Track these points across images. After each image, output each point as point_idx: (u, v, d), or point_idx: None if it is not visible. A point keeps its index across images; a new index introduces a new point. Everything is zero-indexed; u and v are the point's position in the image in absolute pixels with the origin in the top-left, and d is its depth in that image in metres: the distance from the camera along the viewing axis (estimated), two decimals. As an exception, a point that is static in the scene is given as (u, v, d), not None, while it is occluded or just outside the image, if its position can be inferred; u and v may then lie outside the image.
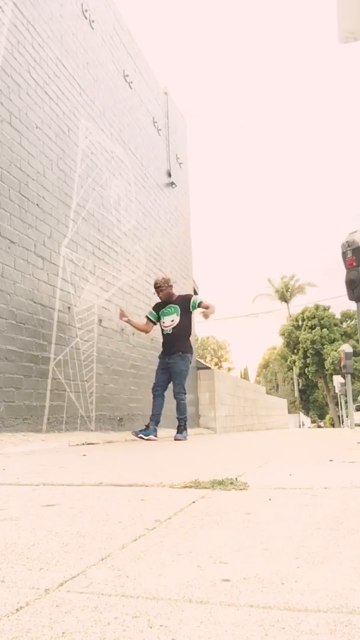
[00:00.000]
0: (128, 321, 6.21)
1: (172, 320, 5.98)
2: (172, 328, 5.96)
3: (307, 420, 45.16)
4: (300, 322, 40.42)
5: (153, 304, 6.59)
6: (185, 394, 6.02)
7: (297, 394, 42.81)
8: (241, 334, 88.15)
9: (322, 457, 3.34)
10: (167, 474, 2.38)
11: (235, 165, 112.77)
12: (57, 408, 5.40)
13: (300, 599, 0.77)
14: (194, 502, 1.58)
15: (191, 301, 6.07)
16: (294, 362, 40.80)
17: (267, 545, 1.08)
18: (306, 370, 39.79)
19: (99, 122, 7.04)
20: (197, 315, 6.57)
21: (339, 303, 44.68)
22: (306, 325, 39.37)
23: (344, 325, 40.13)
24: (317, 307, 39.74)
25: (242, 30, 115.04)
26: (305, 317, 39.94)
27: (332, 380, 26.07)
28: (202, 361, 12.95)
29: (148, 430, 5.78)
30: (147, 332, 6.42)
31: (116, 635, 0.66)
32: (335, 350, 32.58)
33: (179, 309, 5.99)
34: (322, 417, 43.46)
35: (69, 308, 5.80)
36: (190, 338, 6.46)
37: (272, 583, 0.84)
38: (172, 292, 6.08)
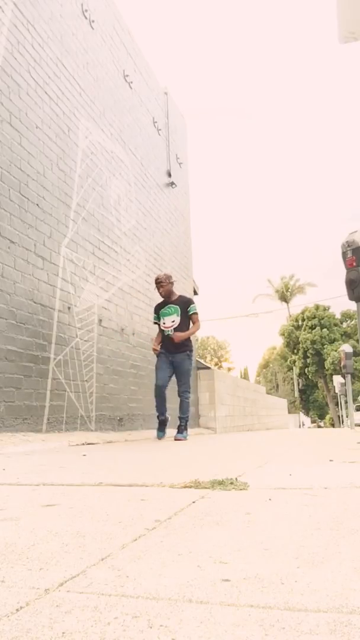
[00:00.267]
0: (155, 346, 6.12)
1: (173, 321, 5.97)
2: (174, 329, 5.96)
3: (307, 420, 45.16)
4: (300, 322, 40.42)
5: (153, 303, 6.59)
6: (190, 393, 6.04)
7: (297, 394, 42.81)
8: (241, 334, 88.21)
9: (322, 457, 3.34)
10: (167, 474, 2.38)
11: (235, 165, 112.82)
12: (57, 408, 5.40)
13: (300, 599, 0.77)
14: (194, 502, 1.58)
15: (190, 307, 6.06)
16: (294, 362, 40.80)
17: (267, 545, 1.08)
18: (306, 370, 39.79)
19: (99, 122, 7.04)
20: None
21: (339, 303, 44.74)
22: (306, 325, 39.37)
23: (344, 325, 40.12)
24: (317, 307, 39.73)
25: (242, 30, 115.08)
26: (305, 317, 39.94)
27: (332, 380, 26.08)
28: (202, 361, 12.95)
29: (162, 431, 5.99)
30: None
31: (116, 635, 0.66)
32: (335, 350, 32.59)
33: (179, 310, 5.99)
34: (322, 417, 43.46)
35: (69, 308, 5.80)
36: (191, 337, 6.46)
37: (272, 583, 0.84)
38: (172, 289, 6.07)
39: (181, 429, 5.94)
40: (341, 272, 6.41)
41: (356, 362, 26.67)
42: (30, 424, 4.88)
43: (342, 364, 12.95)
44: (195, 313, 6.08)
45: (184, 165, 11.34)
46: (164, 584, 0.85)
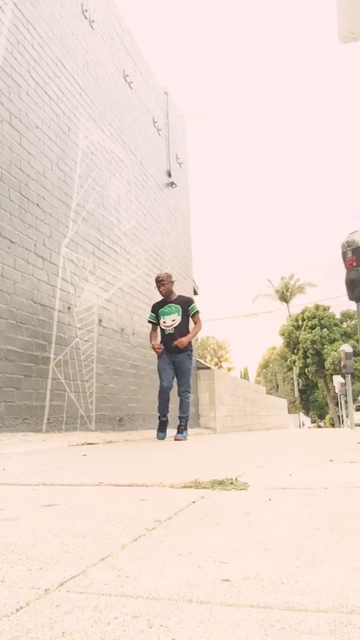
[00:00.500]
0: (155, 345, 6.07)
1: (174, 320, 5.97)
2: (174, 328, 5.96)
3: (307, 420, 45.16)
4: (300, 322, 40.41)
5: (153, 303, 6.59)
6: (190, 392, 6.05)
7: (297, 394, 42.80)
8: (241, 334, 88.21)
9: (322, 457, 3.34)
10: (167, 474, 2.38)
11: (235, 165, 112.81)
12: (57, 408, 5.40)
13: (300, 599, 0.77)
14: (194, 502, 1.58)
15: (190, 306, 6.07)
16: (294, 362, 40.79)
17: (267, 545, 1.08)
18: (306, 370, 39.79)
19: (99, 122, 7.04)
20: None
21: (339, 303, 44.72)
22: (306, 325, 39.37)
23: (344, 325, 40.12)
24: (317, 307, 39.73)
25: (242, 30, 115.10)
26: (305, 317, 39.93)
27: (332, 380, 26.08)
28: (202, 361, 12.95)
29: (163, 432, 5.98)
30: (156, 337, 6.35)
31: (116, 635, 0.66)
32: (335, 350, 32.58)
33: (180, 309, 5.99)
34: (322, 417, 43.46)
35: (69, 308, 5.80)
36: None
37: (272, 583, 0.84)
38: (172, 289, 6.07)
39: (181, 429, 5.94)
40: (341, 272, 6.41)
41: (356, 362, 26.67)
42: (30, 424, 4.88)
43: (342, 364, 12.95)
44: (197, 312, 6.09)
45: (184, 165, 11.34)
46: (164, 584, 0.85)
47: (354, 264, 6.23)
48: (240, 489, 1.80)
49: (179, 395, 5.98)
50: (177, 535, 1.17)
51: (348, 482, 1.97)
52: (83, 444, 4.90)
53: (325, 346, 37.81)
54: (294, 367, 41.63)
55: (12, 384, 4.67)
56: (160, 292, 6.04)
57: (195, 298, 8.56)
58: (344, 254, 6.37)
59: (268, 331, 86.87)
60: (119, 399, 6.99)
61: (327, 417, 41.47)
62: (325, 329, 38.54)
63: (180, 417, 5.98)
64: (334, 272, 39.24)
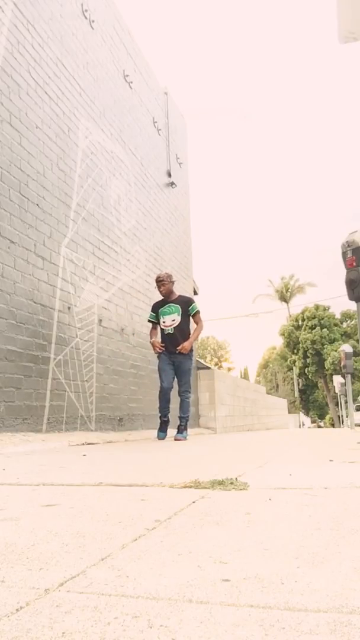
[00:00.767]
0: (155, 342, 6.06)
1: (174, 320, 5.97)
2: (174, 328, 5.96)
3: (307, 420, 45.16)
4: (300, 322, 40.41)
5: (153, 303, 6.59)
6: (190, 392, 6.05)
7: (297, 394, 42.80)
8: (241, 334, 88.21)
9: (322, 457, 3.34)
10: (167, 474, 2.38)
11: (235, 165, 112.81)
12: (57, 408, 5.40)
13: (300, 599, 0.77)
14: (194, 502, 1.58)
15: (191, 306, 6.07)
16: (294, 362, 40.79)
17: (267, 545, 1.08)
18: (306, 370, 39.79)
19: (99, 122, 7.04)
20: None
21: (339, 303, 44.68)
22: (306, 325, 39.36)
23: (344, 325, 40.12)
24: (317, 307, 39.73)
25: (242, 30, 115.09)
26: (305, 317, 39.93)
27: (332, 380, 26.08)
28: (202, 361, 12.94)
29: (164, 432, 5.97)
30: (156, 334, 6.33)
31: (116, 635, 0.66)
32: (335, 350, 32.58)
33: (180, 309, 5.98)
34: (322, 417, 43.46)
35: (69, 308, 5.80)
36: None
37: (272, 583, 0.84)
38: (172, 289, 6.08)
39: (181, 428, 5.94)
40: (341, 272, 6.41)
41: (356, 362, 26.67)
42: (30, 424, 4.88)
43: (342, 364, 12.95)
44: (198, 312, 6.09)
45: (184, 165, 11.34)
46: (164, 584, 0.85)
47: (354, 264, 6.23)
48: (240, 489, 1.80)
49: (179, 395, 5.98)
50: (177, 535, 1.17)
51: (348, 482, 1.97)
52: (83, 444, 4.90)
53: (325, 346, 37.81)
54: (294, 367, 41.62)
55: (12, 384, 4.67)
56: (161, 292, 6.03)
57: (195, 298, 8.56)
58: (344, 254, 6.37)
59: (268, 331, 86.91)
60: (119, 399, 7.00)
61: (327, 417, 41.47)
62: (325, 329, 38.54)
63: (180, 417, 5.98)
64: (334, 272, 39.25)
